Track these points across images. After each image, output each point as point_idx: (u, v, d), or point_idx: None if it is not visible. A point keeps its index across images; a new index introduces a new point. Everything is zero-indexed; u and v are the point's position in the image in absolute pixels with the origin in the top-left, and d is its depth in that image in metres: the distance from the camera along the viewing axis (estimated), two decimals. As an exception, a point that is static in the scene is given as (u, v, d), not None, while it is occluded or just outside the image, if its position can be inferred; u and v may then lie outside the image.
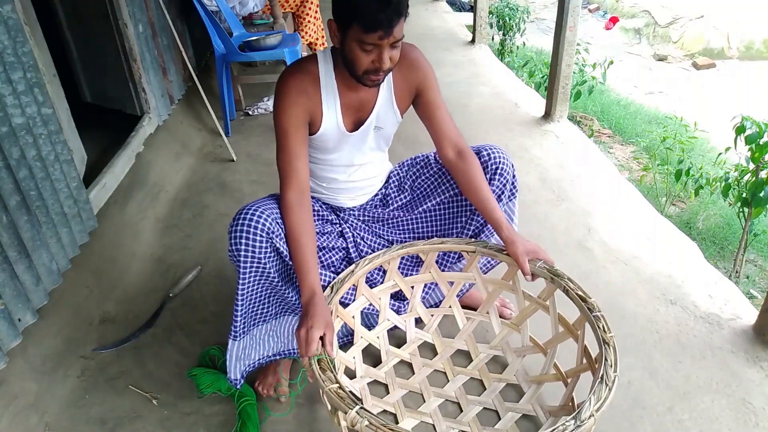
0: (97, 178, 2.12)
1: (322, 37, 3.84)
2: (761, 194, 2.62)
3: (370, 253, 1.52)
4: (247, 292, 1.30)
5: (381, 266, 1.54)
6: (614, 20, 8.96)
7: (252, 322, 1.38)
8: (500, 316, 1.64)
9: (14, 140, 1.47)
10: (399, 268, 1.58)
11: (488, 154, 1.47)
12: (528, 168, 2.61)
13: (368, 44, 1.18)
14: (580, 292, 1.30)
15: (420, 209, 1.55)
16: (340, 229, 1.52)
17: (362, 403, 1.05)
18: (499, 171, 1.47)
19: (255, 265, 1.26)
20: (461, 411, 1.42)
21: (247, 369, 1.43)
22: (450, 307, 1.64)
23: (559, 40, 2.86)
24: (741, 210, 2.85)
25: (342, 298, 1.47)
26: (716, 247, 3.42)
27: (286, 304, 1.41)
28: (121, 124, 2.59)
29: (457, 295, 1.65)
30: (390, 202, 1.57)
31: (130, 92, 2.64)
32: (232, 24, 3.28)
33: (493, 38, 6.25)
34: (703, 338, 1.64)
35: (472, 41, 4.62)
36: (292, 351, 1.50)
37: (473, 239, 1.53)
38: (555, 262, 1.41)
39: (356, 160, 1.46)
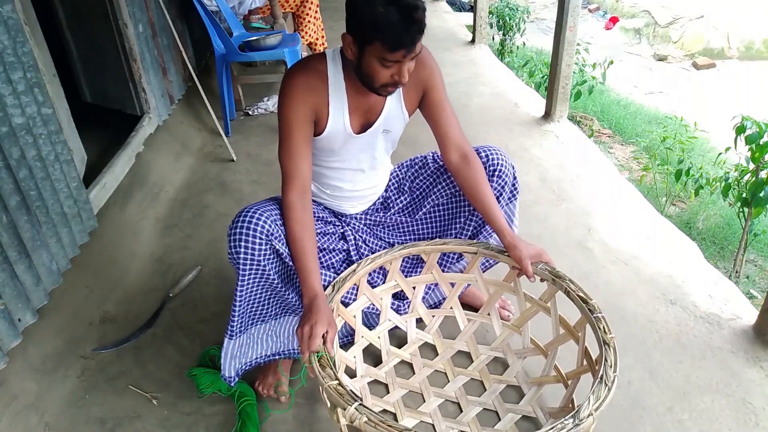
0: (97, 178, 2.12)
1: (323, 37, 3.84)
2: (761, 194, 2.62)
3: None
4: (246, 294, 1.30)
5: (381, 268, 1.54)
6: (614, 20, 8.96)
7: (249, 322, 1.38)
8: (500, 317, 1.64)
9: (14, 140, 1.47)
10: (398, 268, 1.58)
11: (487, 156, 1.47)
12: (528, 168, 2.62)
13: (390, 61, 1.17)
14: (581, 294, 1.29)
15: (420, 213, 1.55)
16: (341, 231, 1.52)
17: (362, 401, 1.05)
18: (497, 173, 1.47)
19: (254, 267, 1.26)
20: (461, 411, 1.42)
21: (243, 368, 1.43)
22: (451, 308, 1.64)
23: (559, 40, 2.86)
24: (741, 210, 2.85)
25: (343, 297, 1.47)
26: (716, 247, 3.42)
27: (286, 305, 1.41)
28: (121, 124, 2.59)
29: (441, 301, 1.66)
30: (390, 205, 1.57)
31: (130, 92, 2.64)
32: (232, 24, 3.28)
33: (493, 38, 6.25)
34: (703, 338, 1.64)
35: (472, 41, 4.62)
36: (291, 351, 1.50)
37: (475, 241, 1.53)
38: (555, 262, 1.41)
39: (362, 164, 1.44)
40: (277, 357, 1.49)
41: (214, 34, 2.93)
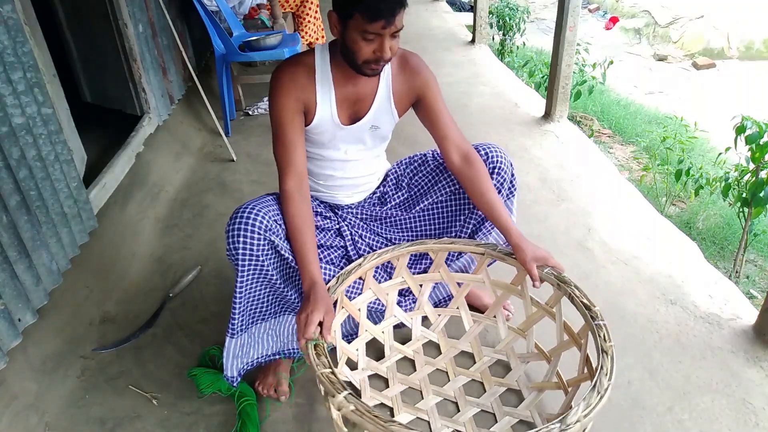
0: (97, 178, 2.12)
1: (323, 37, 3.84)
2: (761, 194, 2.62)
3: (369, 252, 1.53)
4: (246, 291, 1.30)
5: (384, 264, 1.55)
6: (614, 20, 8.96)
7: (250, 320, 1.38)
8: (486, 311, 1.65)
9: (14, 140, 1.47)
10: (406, 264, 1.58)
11: (486, 153, 1.47)
12: (528, 168, 2.62)
13: (370, 33, 1.20)
14: (585, 300, 1.28)
15: (418, 207, 1.55)
16: (338, 227, 1.53)
17: (360, 394, 1.05)
18: (497, 170, 1.47)
19: (253, 263, 1.26)
20: (458, 411, 1.42)
21: (245, 367, 1.44)
22: (458, 308, 1.64)
23: (559, 40, 2.86)
24: (741, 210, 2.85)
25: (347, 291, 1.48)
26: (716, 247, 3.42)
27: (286, 303, 1.41)
28: (121, 124, 2.59)
29: (451, 297, 1.66)
30: (388, 200, 1.58)
31: (130, 92, 2.64)
32: (232, 24, 3.28)
33: (493, 38, 6.25)
34: (703, 338, 1.64)
35: (472, 41, 4.62)
36: (292, 351, 1.50)
37: (483, 242, 1.53)
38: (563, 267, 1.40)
39: (352, 155, 1.46)
40: (277, 356, 1.49)
41: (214, 34, 2.93)
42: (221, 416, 1.45)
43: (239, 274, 1.26)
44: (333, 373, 1.09)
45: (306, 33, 3.73)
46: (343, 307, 1.47)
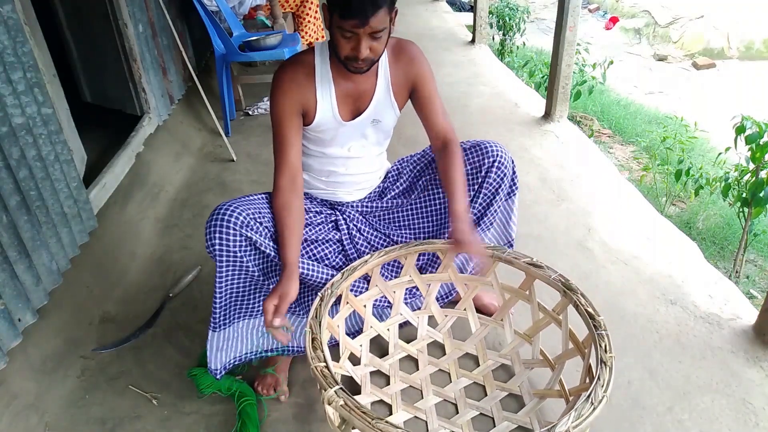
0: (97, 178, 2.12)
1: (323, 36, 3.84)
2: (761, 194, 2.62)
3: (366, 246, 1.53)
4: (226, 286, 1.32)
5: (390, 263, 1.56)
6: (614, 20, 8.96)
7: (235, 315, 1.39)
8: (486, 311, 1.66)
9: (14, 140, 1.47)
10: (414, 264, 1.58)
11: (487, 147, 1.48)
12: (528, 168, 2.61)
13: (347, 31, 1.22)
14: (590, 309, 1.27)
15: (414, 195, 1.55)
16: (334, 219, 1.52)
17: (359, 390, 1.05)
18: (496, 164, 1.47)
19: (231, 258, 1.28)
20: (457, 413, 1.42)
21: (232, 362, 1.44)
22: (465, 309, 1.64)
23: (559, 40, 2.86)
24: (741, 210, 2.85)
25: (354, 288, 1.48)
26: (716, 247, 3.42)
27: None
28: (121, 124, 2.59)
29: (451, 293, 1.67)
30: (387, 193, 1.59)
31: (130, 92, 2.64)
32: (232, 24, 3.28)
33: (493, 38, 6.25)
34: (703, 338, 1.64)
35: (472, 41, 4.62)
36: (286, 349, 1.50)
37: (493, 245, 1.52)
38: (556, 263, 1.39)
39: (355, 152, 1.46)
40: (268, 354, 1.49)
41: (214, 34, 2.93)
42: (221, 416, 1.45)
43: (218, 268, 1.29)
44: (327, 367, 1.10)
45: (306, 33, 3.73)
46: (348, 303, 1.47)
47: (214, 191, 2.56)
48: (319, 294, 1.32)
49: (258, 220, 1.30)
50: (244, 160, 2.84)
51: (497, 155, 1.47)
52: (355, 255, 1.51)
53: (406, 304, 1.63)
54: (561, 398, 1.38)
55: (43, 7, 2.12)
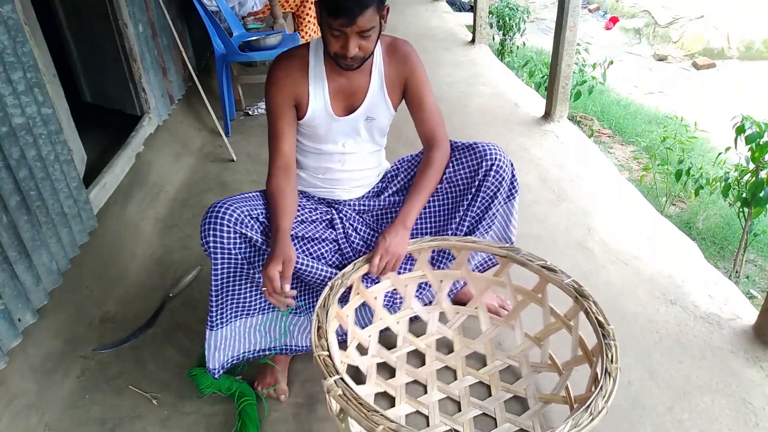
0: (97, 178, 2.12)
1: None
2: (761, 194, 2.62)
3: (362, 245, 1.53)
4: (221, 284, 1.32)
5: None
6: (614, 20, 8.96)
7: (232, 314, 1.39)
8: (495, 313, 1.66)
9: (14, 140, 1.47)
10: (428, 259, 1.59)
11: (484, 151, 1.47)
12: (528, 168, 2.61)
13: (335, 30, 1.24)
14: (600, 318, 1.26)
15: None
16: (329, 217, 1.52)
17: (364, 380, 1.06)
18: (494, 168, 1.46)
19: (226, 256, 1.28)
20: (460, 411, 1.42)
21: (230, 361, 1.44)
22: (476, 308, 1.65)
23: (559, 40, 2.86)
24: (741, 210, 2.85)
25: (365, 280, 1.50)
26: (716, 247, 3.42)
27: None
28: (121, 124, 2.59)
29: (451, 291, 1.68)
30: (384, 192, 1.59)
31: (130, 92, 2.64)
32: (232, 24, 3.28)
33: (493, 38, 6.25)
34: (703, 338, 1.64)
35: (472, 41, 4.62)
36: (284, 347, 1.50)
37: (507, 244, 1.53)
38: (557, 263, 1.39)
39: (349, 147, 1.47)
40: (267, 353, 1.49)
41: (214, 34, 2.93)
42: (221, 416, 1.45)
43: (213, 267, 1.29)
44: (330, 356, 1.10)
45: (306, 33, 3.73)
46: (358, 293, 1.48)
47: (214, 191, 2.56)
48: (329, 283, 1.32)
49: (253, 216, 1.31)
50: (244, 160, 2.84)
51: (495, 158, 1.46)
52: (351, 254, 1.51)
53: (416, 297, 1.64)
54: (566, 404, 1.37)
55: (43, 7, 2.12)
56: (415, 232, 1.57)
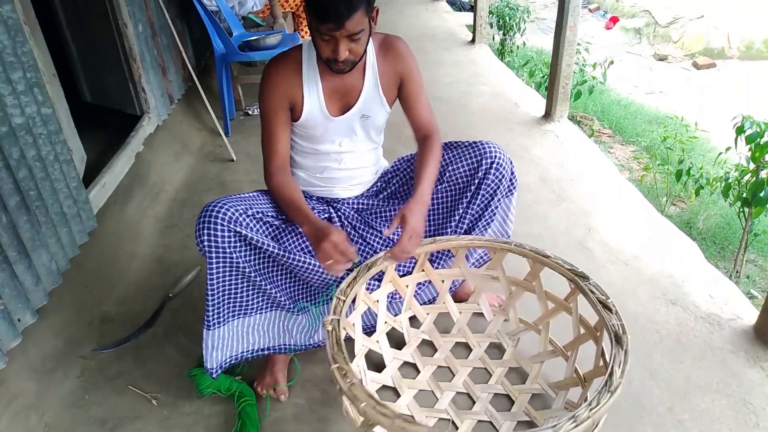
0: (96, 178, 2.12)
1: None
2: (761, 194, 2.62)
3: (361, 243, 1.53)
4: (218, 283, 1.32)
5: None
6: (614, 20, 8.96)
7: (229, 314, 1.38)
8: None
9: (14, 140, 1.47)
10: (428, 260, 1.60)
11: (484, 149, 1.48)
12: (528, 168, 2.61)
13: (324, 34, 1.23)
14: (600, 294, 1.29)
15: (409, 196, 1.54)
16: (327, 216, 1.52)
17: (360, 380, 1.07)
18: (494, 166, 1.47)
19: (221, 255, 1.28)
20: (473, 403, 1.45)
21: (229, 361, 1.44)
22: (478, 304, 1.67)
23: (560, 39, 2.86)
24: (741, 210, 2.85)
25: (367, 285, 1.50)
26: (716, 247, 3.42)
27: (270, 299, 1.41)
28: (121, 124, 2.59)
29: (450, 289, 1.70)
30: (383, 191, 1.59)
31: (130, 92, 2.64)
32: (231, 24, 3.28)
33: (493, 38, 6.24)
34: (703, 338, 1.64)
35: (472, 41, 4.62)
36: (283, 347, 1.50)
37: (504, 239, 1.56)
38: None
39: (346, 146, 1.47)
40: (266, 352, 1.49)
41: (213, 33, 2.93)
42: (221, 416, 1.45)
43: (209, 266, 1.29)
44: (345, 358, 1.11)
45: (306, 32, 3.73)
46: (363, 301, 1.49)
47: (213, 191, 2.56)
48: (335, 296, 1.31)
49: (249, 215, 1.31)
50: (244, 160, 2.84)
51: (495, 157, 1.47)
52: None
53: (415, 296, 1.66)
54: (577, 386, 1.39)
55: (43, 7, 2.12)
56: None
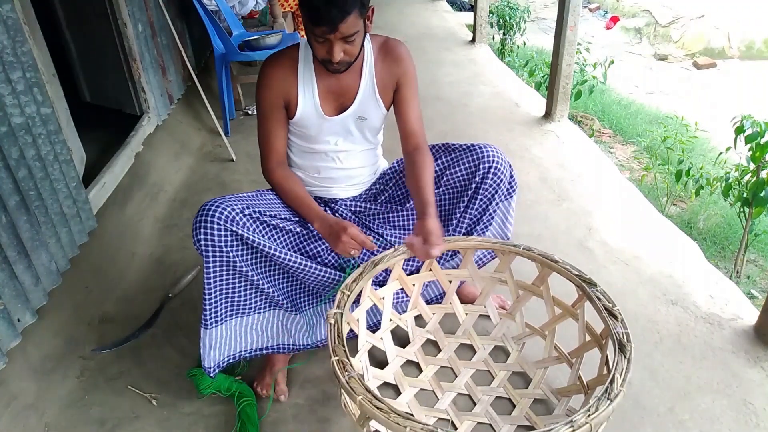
0: (96, 178, 2.12)
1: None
2: (762, 194, 2.62)
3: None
4: (215, 282, 1.32)
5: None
6: (615, 20, 8.95)
7: (226, 313, 1.38)
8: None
9: (13, 140, 1.46)
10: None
11: (481, 152, 1.47)
12: (528, 168, 2.61)
13: (318, 37, 1.24)
14: (606, 302, 1.28)
15: (407, 197, 1.54)
16: None
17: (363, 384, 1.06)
18: (492, 170, 1.46)
19: (218, 254, 1.28)
20: (474, 404, 1.44)
21: (227, 360, 1.44)
22: (485, 306, 1.67)
23: (560, 39, 2.85)
24: (742, 210, 2.84)
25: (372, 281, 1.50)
26: (717, 247, 3.41)
27: (269, 299, 1.41)
28: (121, 124, 2.59)
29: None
30: (381, 194, 1.58)
31: (130, 92, 2.64)
32: (231, 23, 3.28)
33: (493, 38, 6.24)
34: (703, 338, 1.63)
35: (473, 41, 4.62)
36: (281, 346, 1.50)
37: (508, 241, 1.55)
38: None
39: (342, 146, 1.47)
40: (265, 352, 1.49)
41: (213, 33, 2.93)
42: (221, 417, 1.45)
43: (205, 265, 1.29)
44: (347, 356, 1.11)
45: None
46: (368, 297, 1.49)
47: (213, 191, 2.56)
48: (340, 290, 1.31)
49: (245, 214, 1.30)
50: (244, 160, 2.84)
51: (493, 160, 1.46)
52: None
53: (421, 294, 1.65)
54: (580, 393, 1.39)
55: (42, 6, 2.12)
56: (412, 231, 1.57)
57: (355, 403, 1.03)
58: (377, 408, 1.00)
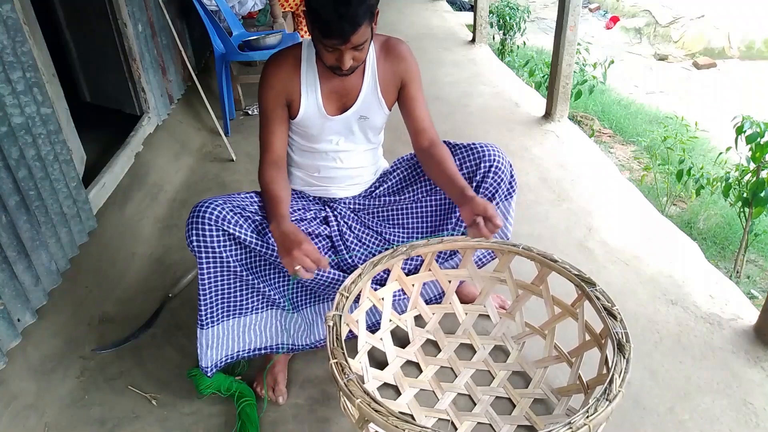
0: (96, 178, 2.12)
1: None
2: (762, 194, 2.62)
3: (356, 243, 1.52)
4: (209, 282, 1.32)
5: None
6: (615, 20, 8.95)
7: (223, 313, 1.38)
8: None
9: (13, 140, 1.47)
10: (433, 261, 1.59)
11: (482, 152, 1.47)
12: (528, 168, 2.61)
13: (328, 47, 1.23)
14: (606, 301, 1.28)
15: (407, 195, 1.54)
16: (324, 215, 1.52)
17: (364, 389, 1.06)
18: (493, 169, 1.46)
19: (211, 254, 1.28)
20: (474, 404, 1.44)
21: (224, 360, 1.44)
22: (485, 306, 1.67)
23: (560, 39, 2.85)
24: (742, 210, 2.84)
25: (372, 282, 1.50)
26: (717, 247, 3.41)
27: (266, 298, 1.41)
28: (121, 124, 2.59)
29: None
30: (380, 192, 1.58)
31: (130, 92, 2.64)
32: (231, 23, 3.28)
33: (493, 38, 6.24)
34: (703, 338, 1.63)
35: (473, 41, 4.62)
36: (280, 346, 1.50)
37: (509, 241, 1.55)
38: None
39: (343, 145, 1.47)
40: (263, 351, 1.49)
41: (213, 33, 2.93)
42: (221, 417, 1.45)
43: (199, 265, 1.29)
44: (346, 360, 1.11)
45: (305, 32, 3.73)
46: (368, 298, 1.49)
47: (213, 191, 2.56)
48: (339, 292, 1.30)
49: (239, 214, 1.31)
50: (244, 160, 2.84)
51: (494, 159, 1.46)
52: (345, 251, 1.50)
53: (420, 295, 1.65)
54: (580, 392, 1.39)
55: (42, 6, 2.12)
56: (411, 230, 1.57)
57: (354, 406, 1.03)
58: (376, 411, 1.00)
